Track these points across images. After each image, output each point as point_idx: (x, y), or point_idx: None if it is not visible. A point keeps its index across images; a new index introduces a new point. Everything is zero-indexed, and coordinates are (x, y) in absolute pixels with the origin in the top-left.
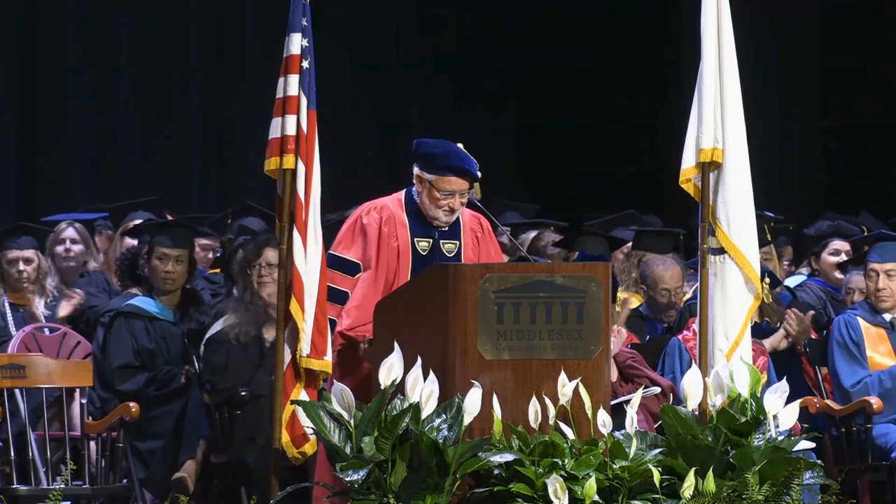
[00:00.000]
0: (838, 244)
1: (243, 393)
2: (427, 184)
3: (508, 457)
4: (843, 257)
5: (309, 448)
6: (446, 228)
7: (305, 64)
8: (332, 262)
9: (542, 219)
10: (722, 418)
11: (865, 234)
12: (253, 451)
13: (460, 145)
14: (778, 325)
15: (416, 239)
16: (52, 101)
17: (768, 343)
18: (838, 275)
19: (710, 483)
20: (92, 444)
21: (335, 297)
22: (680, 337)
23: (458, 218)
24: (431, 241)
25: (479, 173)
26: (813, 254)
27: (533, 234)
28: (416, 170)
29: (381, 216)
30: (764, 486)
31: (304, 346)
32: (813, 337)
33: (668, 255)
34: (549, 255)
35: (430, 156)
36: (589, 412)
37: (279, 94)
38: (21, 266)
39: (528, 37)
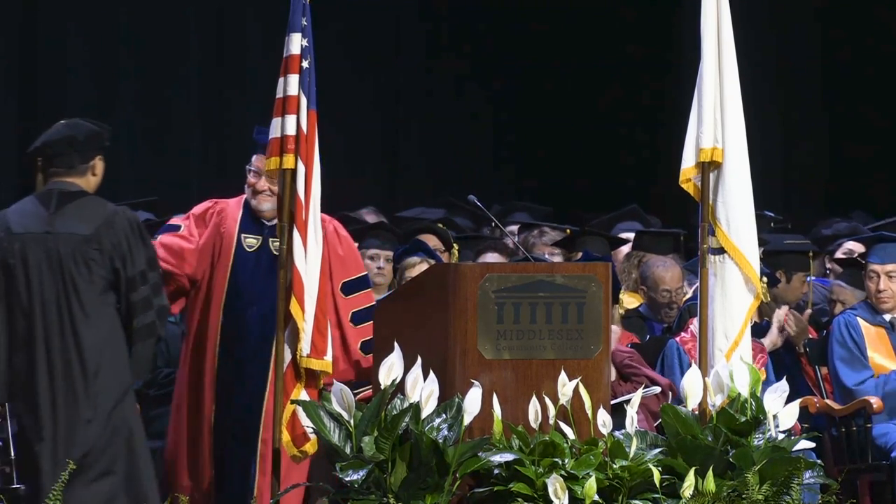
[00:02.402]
0: (852, 245)
1: None
2: (249, 164)
3: (508, 457)
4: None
5: (309, 448)
6: (274, 224)
7: (305, 64)
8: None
9: (551, 221)
10: (722, 418)
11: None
12: None
13: None
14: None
15: (243, 235)
16: (53, 101)
17: (767, 341)
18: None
19: (710, 483)
20: None
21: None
22: (678, 339)
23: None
24: (261, 238)
25: None
26: (827, 253)
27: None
28: None
29: (214, 209)
30: (764, 486)
31: (305, 345)
32: (813, 337)
33: (669, 256)
34: (536, 243)
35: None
36: (589, 412)
37: (279, 94)
38: None
39: (529, 36)
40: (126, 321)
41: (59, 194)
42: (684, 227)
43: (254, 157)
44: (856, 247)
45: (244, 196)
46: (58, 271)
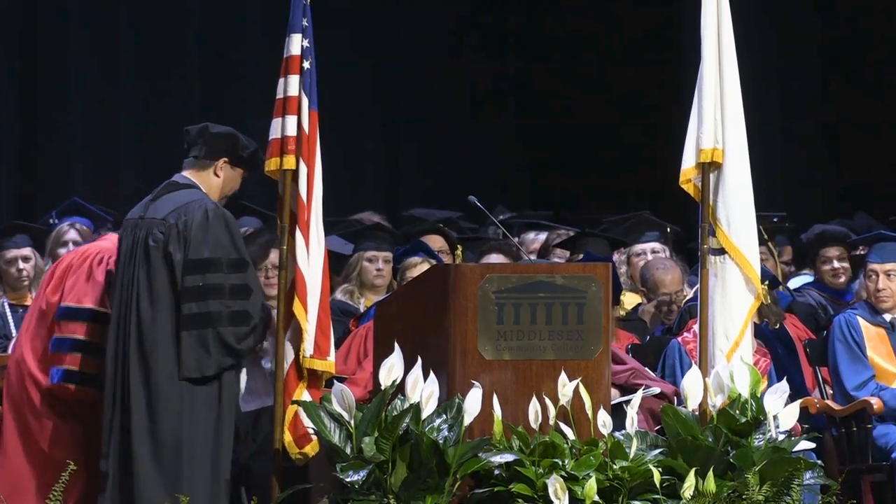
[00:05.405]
0: (829, 251)
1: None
2: None
3: (509, 457)
4: (836, 263)
5: (311, 449)
6: None
7: (306, 65)
8: None
9: (552, 223)
10: (722, 419)
11: (854, 236)
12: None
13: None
14: (777, 325)
15: None
16: (53, 102)
17: None
18: (835, 279)
19: (711, 483)
20: None
21: None
22: (679, 339)
23: None
24: None
25: None
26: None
27: (532, 234)
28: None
29: None
30: (764, 487)
31: (308, 346)
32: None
33: (667, 258)
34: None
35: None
36: (589, 412)
37: (279, 95)
38: (21, 265)
39: (531, 36)
40: (177, 307)
41: (168, 184)
42: (684, 228)
43: None
44: (832, 252)
45: None
46: (134, 255)
